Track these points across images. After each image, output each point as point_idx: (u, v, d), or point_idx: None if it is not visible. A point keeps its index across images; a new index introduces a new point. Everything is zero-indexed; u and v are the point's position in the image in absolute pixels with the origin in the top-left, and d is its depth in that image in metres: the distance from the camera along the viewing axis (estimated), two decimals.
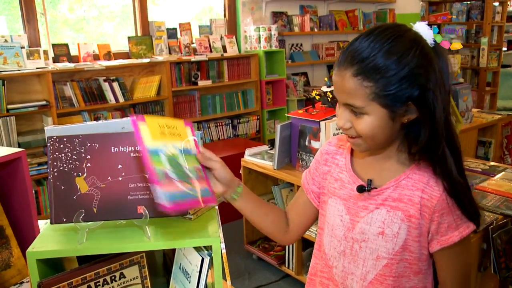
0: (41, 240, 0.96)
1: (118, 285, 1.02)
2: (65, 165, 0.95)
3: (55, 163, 0.95)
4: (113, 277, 1.01)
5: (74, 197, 0.95)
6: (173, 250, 1.13)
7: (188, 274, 1.02)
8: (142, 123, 0.83)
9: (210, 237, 0.96)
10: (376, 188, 0.92)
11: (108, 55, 3.58)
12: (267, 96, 4.42)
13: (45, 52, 3.24)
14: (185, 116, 3.91)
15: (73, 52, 3.48)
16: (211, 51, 4.06)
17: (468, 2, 5.13)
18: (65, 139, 0.95)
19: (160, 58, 3.65)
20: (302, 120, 2.30)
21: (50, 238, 0.97)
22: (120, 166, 0.95)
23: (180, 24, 3.98)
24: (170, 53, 3.87)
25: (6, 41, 3.09)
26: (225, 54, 4.05)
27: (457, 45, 2.97)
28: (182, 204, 0.83)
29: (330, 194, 1.01)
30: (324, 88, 2.42)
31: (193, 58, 3.81)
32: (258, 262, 2.81)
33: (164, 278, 1.20)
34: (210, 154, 0.95)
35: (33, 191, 3.00)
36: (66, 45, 3.43)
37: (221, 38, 4.19)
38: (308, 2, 4.79)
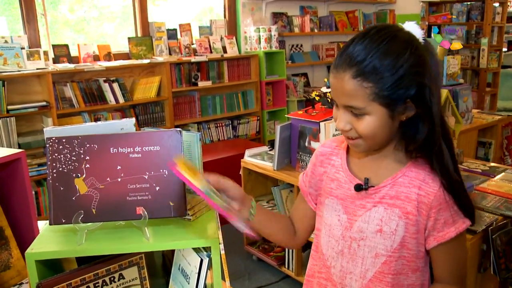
0: (40, 241, 0.96)
1: (117, 286, 1.02)
2: (64, 166, 0.95)
3: (54, 164, 0.95)
4: (112, 278, 1.01)
5: (73, 198, 0.95)
6: (172, 251, 1.13)
7: (187, 275, 1.02)
8: (179, 168, 0.84)
9: (209, 238, 0.96)
10: (373, 186, 0.94)
11: (108, 56, 3.58)
12: (267, 97, 4.43)
13: (45, 53, 3.24)
14: (185, 116, 3.91)
15: (73, 53, 3.48)
16: (211, 52, 4.06)
17: (468, 3, 5.12)
18: (64, 140, 0.95)
19: (160, 59, 3.65)
20: (302, 121, 2.30)
21: (49, 239, 0.97)
22: (119, 167, 0.95)
23: (180, 25, 3.98)
24: (170, 54, 3.87)
25: (6, 42, 3.09)
26: (225, 55, 4.05)
27: (457, 45, 2.97)
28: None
29: (326, 195, 1.01)
30: (324, 89, 2.42)
31: (193, 59, 3.81)
32: (258, 263, 2.81)
33: (164, 279, 1.20)
34: (218, 176, 0.94)
35: (33, 192, 3.00)
36: (66, 46, 3.44)
37: (221, 39, 4.19)
38: (308, 3, 4.80)
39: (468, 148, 2.78)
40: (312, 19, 4.72)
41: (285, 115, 3.76)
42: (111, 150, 0.96)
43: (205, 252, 1.00)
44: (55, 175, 0.95)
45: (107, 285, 1.01)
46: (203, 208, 1.09)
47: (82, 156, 0.95)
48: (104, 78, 3.42)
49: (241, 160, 2.66)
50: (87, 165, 0.95)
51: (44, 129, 1.00)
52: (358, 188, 0.94)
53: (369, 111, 0.83)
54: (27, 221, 1.28)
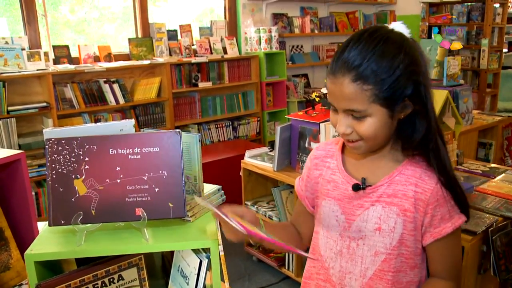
0: (40, 242, 0.96)
1: (116, 287, 1.02)
2: (63, 167, 0.95)
3: (53, 165, 0.95)
4: (111, 279, 1.01)
5: (73, 199, 0.95)
6: (172, 252, 1.13)
7: (187, 276, 1.02)
8: (238, 221, 0.85)
9: (208, 239, 0.96)
10: (370, 185, 0.95)
11: (109, 57, 3.58)
12: (268, 97, 4.43)
13: (46, 53, 3.24)
14: (186, 117, 3.91)
15: (74, 53, 3.48)
16: (211, 53, 4.06)
17: (469, 4, 5.12)
18: (63, 142, 0.95)
19: (160, 60, 3.65)
20: (302, 121, 2.30)
21: (48, 240, 0.97)
22: (118, 168, 0.96)
23: (180, 26, 3.99)
24: (170, 54, 3.87)
25: (6, 42, 3.09)
26: (225, 56, 4.05)
27: (457, 45, 2.95)
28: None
29: (323, 196, 1.02)
30: (324, 90, 2.42)
31: (193, 60, 3.81)
32: (258, 264, 2.80)
33: (163, 280, 1.20)
34: (231, 207, 0.94)
35: (33, 193, 3.00)
36: (67, 47, 3.44)
37: (222, 39, 4.19)
38: (308, 4, 4.80)
39: (469, 149, 2.78)
40: (313, 20, 4.72)
41: (285, 116, 3.76)
42: (110, 151, 0.96)
43: (204, 253, 1.00)
44: (54, 176, 0.95)
45: (106, 286, 1.00)
46: (202, 209, 1.09)
47: (81, 157, 0.95)
48: (105, 79, 3.42)
49: (241, 161, 2.66)
50: (87, 166, 0.95)
51: (44, 130, 1.00)
52: (355, 188, 0.95)
53: (370, 113, 0.85)
54: (27, 222, 1.28)
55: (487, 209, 1.71)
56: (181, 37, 3.98)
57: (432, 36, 2.94)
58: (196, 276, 0.98)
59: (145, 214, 0.95)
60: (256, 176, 2.70)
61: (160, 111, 3.74)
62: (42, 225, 1.28)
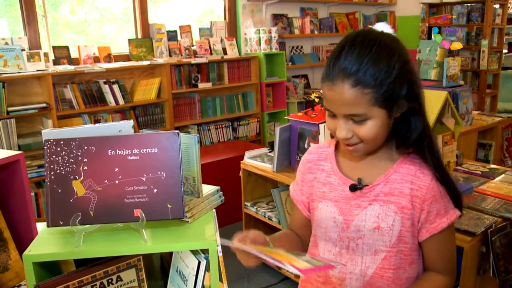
0: (38, 243, 0.96)
1: None
2: (62, 168, 0.95)
3: (52, 166, 0.95)
4: (110, 280, 1.01)
5: (71, 200, 0.95)
6: (171, 253, 1.13)
7: (185, 277, 1.02)
8: (269, 255, 0.83)
9: (206, 240, 0.96)
10: (367, 185, 0.96)
11: (109, 58, 3.58)
12: (267, 98, 4.43)
13: (46, 54, 3.24)
14: (185, 118, 3.91)
15: (74, 54, 3.48)
16: (211, 54, 4.07)
17: (469, 5, 5.12)
18: (62, 143, 0.95)
19: (160, 61, 3.65)
20: (302, 122, 2.30)
21: (47, 241, 0.97)
22: (117, 169, 0.96)
23: (180, 27, 3.99)
24: (170, 55, 3.88)
25: (6, 43, 3.10)
26: (225, 57, 4.06)
27: (457, 45, 2.94)
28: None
29: (319, 199, 1.02)
30: None
31: (193, 61, 3.82)
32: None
33: (162, 281, 1.20)
34: (243, 234, 0.93)
35: (33, 194, 3.01)
36: (67, 48, 3.44)
37: (222, 40, 4.19)
38: (308, 5, 4.80)
39: (468, 149, 2.78)
40: (312, 21, 4.73)
41: (285, 117, 3.76)
42: (109, 152, 0.96)
43: (202, 254, 1.00)
44: (53, 177, 0.95)
45: (105, 287, 1.00)
46: (201, 210, 1.09)
47: (80, 158, 0.95)
48: (104, 80, 3.42)
49: (241, 161, 2.66)
50: (85, 167, 0.95)
51: (42, 131, 1.00)
52: (353, 188, 0.96)
53: (371, 115, 0.86)
54: (26, 223, 1.28)
55: (487, 210, 1.71)
56: (181, 37, 3.98)
57: (432, 37, 2.94)
58: (194, 277, 0.98)
59: (143, 215, 0.95)
60: (255, 177, 2.70)
61: (160, 112, 3.74)
62: (41, 226, 1.28)
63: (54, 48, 3.40)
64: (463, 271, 1.54)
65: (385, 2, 5.34)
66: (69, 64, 3.38)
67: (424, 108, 0.92)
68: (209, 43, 4.09)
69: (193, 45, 4.05)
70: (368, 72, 0.83)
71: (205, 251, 1.00)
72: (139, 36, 3.84)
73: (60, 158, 0.95)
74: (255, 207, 2.68)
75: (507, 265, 1.57)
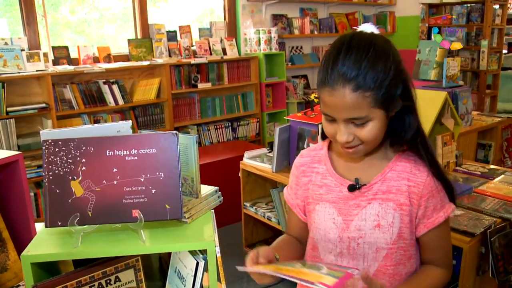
0: (36, 244, 0.96)
1: None
2: (60, 168, 0.95)
3: (50, 167, 0.95)
4: (108, 281, 1.01)
5: (69, 201, 0.95)
6: (169, 254, 1.13)
7: (183, 278, 1.02)
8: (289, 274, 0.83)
9: (205, 241, 0.96)
10: (365, 185, 0.97)
11: (108, 58, 3.58)
12: (267, 98, 4.43)
13: (45, 54, 3.24)
14: (185, 118, 3.91)
15: (73, 54, 3.48)
16: (211, 54, 4.07)
17: (468, 5, 5.12)
18: (60, 143, 0.95)
19: (160, 61, 3.65)
20: (301, 123, 2.30)
21: (45, 242, 0.97)
22: (115, 170, 0.95)
23: (180, 27, 3.99)
24: (170, 55, 3.87)
25: (6, 43, 3.10)
26: (225, 57, 4.06)
27: (457, 45, 2.94)
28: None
29: (317, 201, 1.02)
30: None
31: (193, 61, 3.82)
32: None
33: (161, 282, 1.20)
34: (255, 254, 0.91)
35: (32, 194, 3.01)
36: (66, 48, 3.44)
37: (221, 40, 4.19)
38: (308, 5, 4.80)
39: (468, 150, 2.78)
40: (312, 21, 4.73)
41: (284, 117, 3.77)
42: (107, 152, 0.96)
43: (201, 255, 1.00)
44: (51, 177, 0.95)
45: (103, 287, 1.00)
46: (199, 211, 1.09)
47: (78, 158, 0.95)
48: (104, 80, 3.42)
49: (240, 162, 2.66)
50: (83, 168, 0.95)
51: (41, 132, 1.00)
52: (351, 188, 0.97)
53: (372, 117, 0.87)
54: (25, 223, 1.28)
55: (486, 210, 1.71)
56: (181, 38, 3.98)
57: (432, 37, 2.94)
58: (192, 277, 0.98)
59: (141, 215, 0.95)
60: (255, 177, 2.70)
61: (160, 112, 3.74)
62: (40, 226, 1.28)
63: (53, 48, 3.40)
64: (462, 272, 1.54)
65: (385, 3, 5.34)
66: (69, 64, 3.38)
67: (415, 104, 0.94)
68: (208, 43, 4.09)
69: (192, 46, 4.05)
70: (368, 76, 0.84)
71: (203, 252, 1.00)
72: (139, 36, 3.84)
73: (58, 158, 0.95)
74: (254, 207, 2.68)
75: (506, 266, 1.56)
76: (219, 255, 0.95)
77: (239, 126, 4.23)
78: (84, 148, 0.95)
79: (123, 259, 1.03)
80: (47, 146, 0.95)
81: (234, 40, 4.25)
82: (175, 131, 0.98)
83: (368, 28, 0.92)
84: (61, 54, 3.40)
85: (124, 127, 1.05)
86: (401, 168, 0.97)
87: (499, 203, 1.77)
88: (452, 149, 2.20)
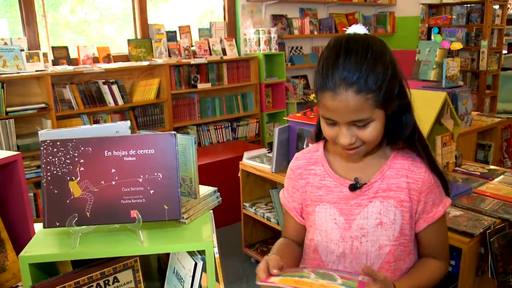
0: (34, 244, 0.96)
1: None
2: (58, 169, 0.95)
3: (48, 167, 0.95)
4: (106, 281, 1.01)
5: (67, 201, 0.95)
6: (168, 255, 1.13)
7: (182, 279, 1.02)
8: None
9: (203, 241, 0.96)
10: (365, 183, 0.98)
11: (108, 58, 3.58)
12: (267, 99, 4.43)
13: (45, 54, 3.24)
14: (185, 119, 3.91)
15: (73, 54, 3.48)
16: (210, 54, 4.07)
17: (468, 5, 5.12)
18: (58, 143, 0.95)
19: (159, 61, 3.65)
20: (300, 123, 2.30)
21: (43, 242, 0.97)
22: (113, 170, 0.95)
23: (179, 27, 3.99)
24: (169, 56, 3.87)
25: (5, 43, 3.09)
26: (224, 57, 4.05)
27: (457, 45, 2.94)
28: None
29: (316, 203, 1.02)
30: None
31: (192, 61, 3.82)
32: (256, 265, 2.78)
33: (159, 282, 1.20)
34: (265, 265, 0.91)
35: (32, 194, 3.00)
36: (66, 48, 3.44)
37: (221, 41, 4.19)
38: (308, 5, 4.80)
39: (468, 150, 2.78)
40: (312, 21, 4.73)
41: (284, 118, 3.77)
42: (106, 153, 0.95)
43: (199, 256, 1.00)
44: (49, 178, 0.95)
45: None
46: (198, 211, 1.08)
47: (76, 159, 0.95)
48: (103, 80, 3.42)
49: (240, 162, 2.66)
50: (82, 168, 0.95)
51: (39, 132, 1.00)
52: (353, 187, 0.98)
53: (373, 118, 0.88)
54: (24, 224, 1.28)
55: (485, 211, 1.71)
56: (180, 38, 3.98)
57: (432, 37, 2.94)
58: (191, 278, 0.98)
59: (140, 216, 0.95)
60: (254, 178, 2.69)
61: (159, 112, 3.74)
62: (39, 227, 1.28)
63: (53, 48, 3.40)
64: (462, 272, 1.54)
65: (384, 3, 5.34)
66: (68, 65, 3.37)
67: (410, 102, 0.96)
68: (208, 43, 4.09)
69: (192, 46, 4.04)
70: (369, 78, 0.85)
71: (202, 252, 0.99)
72: (139, 37, 3.84)
73: (56, 159, 0.95)
74: (253, 207, 2.67)
75: (505, 266, 1.56)
76: (217, 255, 0.95)
77: (238, 126, 4.23)
78: (82, 148, 0.95)
79: (122, 260, 1.03)
80: (45, 146, 0.95)
81: (233, 40, 4.25)
82: (173, 132, 0.98)
83: (359, 29, 0.93)
84: (60, 54, 3.40)
85: (122, 127, 1.05)
86: (399, 166, 0.99)
87: (498, 203, 1.77)
88: (451, 150, 2.20)
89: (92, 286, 0.99)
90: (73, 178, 0.95)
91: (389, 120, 0.93)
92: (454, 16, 5.16)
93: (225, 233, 3.10)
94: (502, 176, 2.08)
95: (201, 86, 3.90)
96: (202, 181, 1.13)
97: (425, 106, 2.04)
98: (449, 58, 2.80)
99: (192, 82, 3.90)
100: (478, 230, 1.55)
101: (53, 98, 3.13)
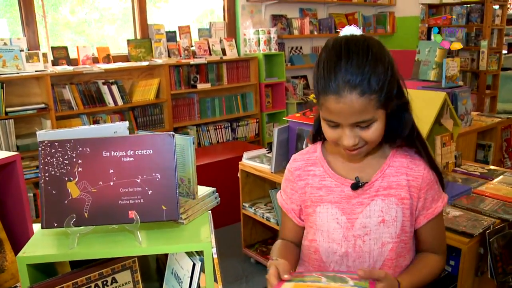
0: (32, 245, 0.96)
1: None
2: (56, 169, 0.95)
3: (46, 168, 0.95)
4: (104, 282, 1.01)
5: (65, 202, 0.95)
6: (166, 255, 1.13)
7: (180, 279, 1.01)
8: None
9: (201, 242, 0.96)
10: (367, 182, 0.99)
11: (107, 58, 3.58)
12: (267, 99, 4.43)
13: (44, 55, 3.24)
14: (184, 119, 3.91)
15: (73, 55, 3.48)
16: (210, 54, 4.06)
17: (468, 5, 5.11)
18: (56, 144, 0.95)
19: (159, 61, 3.65)
20: (300, 123, 2.30)
21: (41, 243, 0.97)
22: (111, 171, 0.95)
23: (179, 27, 3.99)
24: (169, 56, 3.87)
25: (5, 44, 3.10)
26: (224, 57, 4.05)
27: (457, 45, 2.93)
28: None
29: (317, 203, 1.02)
30: None
31: (192, 61, 3.81)
32: (255, 265, 2.80)
33: (158, 283, 1.20)
34: (275, 271, 0.90)
35: (31, 194, 2.99)
36: (65, 48, 3.44)
37: (221, 41, 4.19)
38: (307, 5, 4.80)
39: (468, 150, 2.77)
40: (312, 21, 4.72)
41: (283, 118, 3.77)
42: (104, 153, 0.95)
43: (197, 256, 0.99)
44: (47, 178, 0.95)
45: None
46: (196, 212, 1.08)
47: (74, 159, 0.95)
48: (103, 80, 3.42)
49: (239, 162, 2.65)
50: (80, 169, 0.95)
51: (37, 133, 1.00)
52: (355, 187, 0.98)
53: (376, 118, 0.90)
54: (22, 224, 1.28)
55: (485, 211, 1.70)
56: (180, 38, 3.98)
57: (432, 37, 2.94)
58: (189, 279, 0.98)
59: (138, 216, 0.95)
60: (254, 178, 2.69)
61: (159, 113, 3.74)
62: (38, 227, 1.28)
63: (53, 48, 3.40)
64: (461, 273, 1.54)
65: (384, 3, 5.34)
66: (68, 65, 3.37)
67: (408, 101, 0.97)
68: (208, 43, 4.09)
69: (192, 46, 4.04)
70: (371, 80, 0.86)
71: (200, 253, 0.99)
72: (138, 37, 3.84)
73: (54, 159, 0.95)
74: (253, 208, 2.67)
75: (505, 267, 1.56)
76: (215, 256, 0.95)
77: (238, 126, 4.23)
78: (80, 149, 0.95)
79: (120, 260, 1.03)
80: (43, 147, 0.95)
81: (233, 40, 4.25)
82: (171, 132, 0.98)
83: (353, 30, 0.94)
84: (60, 54, 3.40)
85: (120, 128, 1.05)
86: (399, 164, 1.00)
87: (498, 203, 1.77)
88: (451, 150, 2.19)
89: (91, 286, 0.99)
90: (71, 178, 0.95)
91: (388, 119, 0.94)
92: (454, 16, 5.15)
93: (225, 233, 3.10)
94: (501, 176, 2.08)
95: (200, 86, 3.90)
96: (202, 181, 1.13)
97: (425, 106, 2.04)
98: (448, 58, 2.79)
99: (192, 82, 3.90)
100: (478, 230, 1.55)
101: (53, 98, 3.13)
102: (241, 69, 4.20)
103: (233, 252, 2.91)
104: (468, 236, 1.54)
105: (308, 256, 1.07)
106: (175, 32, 3.95)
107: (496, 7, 5.12)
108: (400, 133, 0.97)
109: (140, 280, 1.06)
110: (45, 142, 0.95)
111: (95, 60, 3.55)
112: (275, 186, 2.61)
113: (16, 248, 1.24)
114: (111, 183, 0.95)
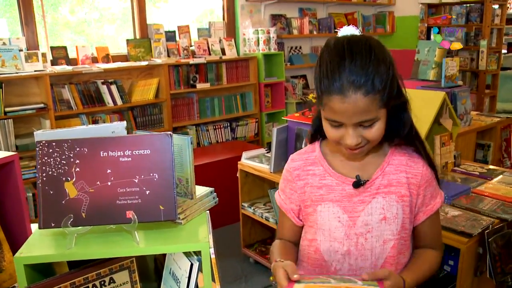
0: (30, 245, 0.96)
1: None
2: (53, 169, 0.94)
3: (44, 168, 0.94)
4: (102, 282, 1.01)
5: (63, 202, 0.95)
6: (164, 255, 1.12)
7: (178, 279, 1.01)
8: None
9: (199, 242, 0.96)
10: (368, 180, 1.00)
11: (107, 58, 3.58)
12: (266, 98, 4.42)
13: (44, 54, 3.24)
14: (184, 118, 3.91)
15: (72, 54, 3.48)
16: (209, 54, 4.06)
17: (468, 5, 5.11)
18: (54, 144, 0.95)
19: (158, 61, 3.65)
20: (299, 123, 2.30)
21: (39, 243, 0.97)
22: (109, 171, 0.95)
23: (178, 27, 3.98)
24: (168, 55, 3.87)
25: (4, 43, 3.09)
26: (223, 57, 4.05)
27: (457, 45, 2.93)
28: None
29: (317, 202, 1.02)
30: None
31: (191, 61, 3.81)
32: (255, 265, 2.80)
33: (156, 283, 1.20)
34: (284, 274, 0.90)
35: (30, 194, 2.99)
36: (65, 48, 3.44)
37: (220, 41, 4.19)
38: (307, 5, 4.79)
39: (467, 150, 2.77)
40: (311, 21, 4.72)
41: (282, 118, 3.76)
42: (101, 153, 0.95)
43: (195, 256, 0.99)
44: (44, 178, 0.95)
45: None
46: (194, 212, 1.08)
47: (72, 159, 0.95)
48: (102, 80, 3.42)
49: (238, 162, 2.65)
50: (77, 169, 0.95)
51: (35, 133, 1.00)
52: (356, 185, 0.99)
53: (379, 117, 0.91)
54: (20, 224, 1.28)
55: (484, 211, 1.70)
56: (179, 38, 3.98)
57: (431, 37, 2.93)
58: (187, 279, 0.98)
59: (135, 216, 0.95)
60: (253, 178, 2.69)
61: (158, 112, 3.74)
62: (36, 227, 1.27)
63: (52, 48, 3.39)
64: (460, 273, 1.54)
65: (384, 2, 5.34)
66: (67, 65, 3.37)
67: (407, 100, 0.98)
68: (207, 43, 4.09)
69: (191, 46, 4.04)
70: (375, 79, 0.87)
71: (198, 253, 0.99)
72: (138, 37, 3.84)
73: (52, 159, 0.95)
74: (252, 207, 2.67)
75: (503, 267, 1.56)
76: (213, 256, 0.95)
77: (237, 126, 4.22)
78: (78, 149, 0.95)
79: (118, 260, 1.03)
80: (40, 147, 0.95)
81: (233, 40, 4.24)
82: (169, 132, 0.98)
83: (351, 31, 0.94)
84: (59, 54, 3.40)
85: (118, 127, 1.05)
86: (398, 162, 1.01)
87: (497, 203, 1.77)
88: (450, 150, 2.19)
89: (88, 287, 0.99)
90: (69, 178, 0.95)
91: (388, 118, 0.94)
92: (453, 16, 5.15)
93: (224, 233, 3.10)
94: (501, 176, 2.08)
95: (200, 86, 3.90)
96: (201, 181, 1.13)
97: (424, 105, 2.04)
98: (448, 58, 2.79)
99: (191, 82, 3.90)
100: (477, 230, 1.55)
101: (52, 98, 3.13)
102: (241, 69, 4.20)
103: (232, 252, 2.91)
104: (467, 236, 1.54)
105: (308, 256, 1.07)
106: (174, 32, 3.95)
107: (496, 6, 5.12)
108: (400, 132, 0.98)
109: (138, 280, 1.06)
110: (43, 142, 0.95)
111: (94, 60, 3.54)
112: (274, 186, 2.61)
113: (14, 248, 1.24)
114: (109, 183, 0.95)
